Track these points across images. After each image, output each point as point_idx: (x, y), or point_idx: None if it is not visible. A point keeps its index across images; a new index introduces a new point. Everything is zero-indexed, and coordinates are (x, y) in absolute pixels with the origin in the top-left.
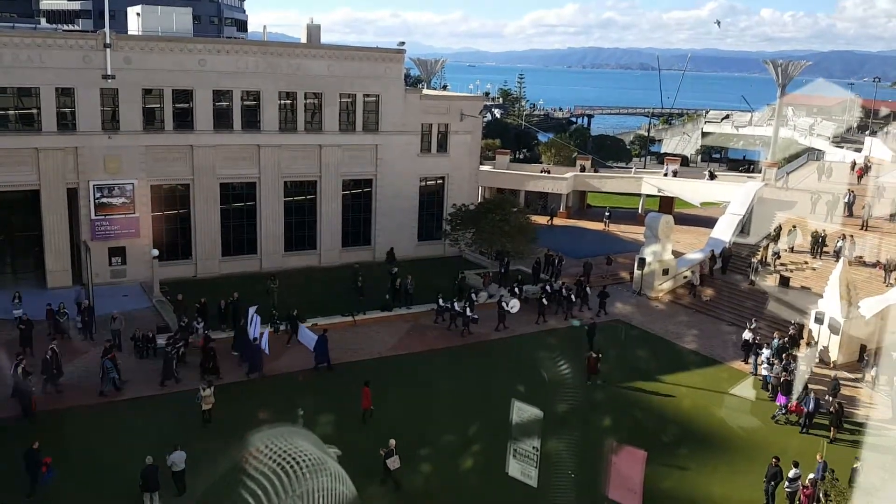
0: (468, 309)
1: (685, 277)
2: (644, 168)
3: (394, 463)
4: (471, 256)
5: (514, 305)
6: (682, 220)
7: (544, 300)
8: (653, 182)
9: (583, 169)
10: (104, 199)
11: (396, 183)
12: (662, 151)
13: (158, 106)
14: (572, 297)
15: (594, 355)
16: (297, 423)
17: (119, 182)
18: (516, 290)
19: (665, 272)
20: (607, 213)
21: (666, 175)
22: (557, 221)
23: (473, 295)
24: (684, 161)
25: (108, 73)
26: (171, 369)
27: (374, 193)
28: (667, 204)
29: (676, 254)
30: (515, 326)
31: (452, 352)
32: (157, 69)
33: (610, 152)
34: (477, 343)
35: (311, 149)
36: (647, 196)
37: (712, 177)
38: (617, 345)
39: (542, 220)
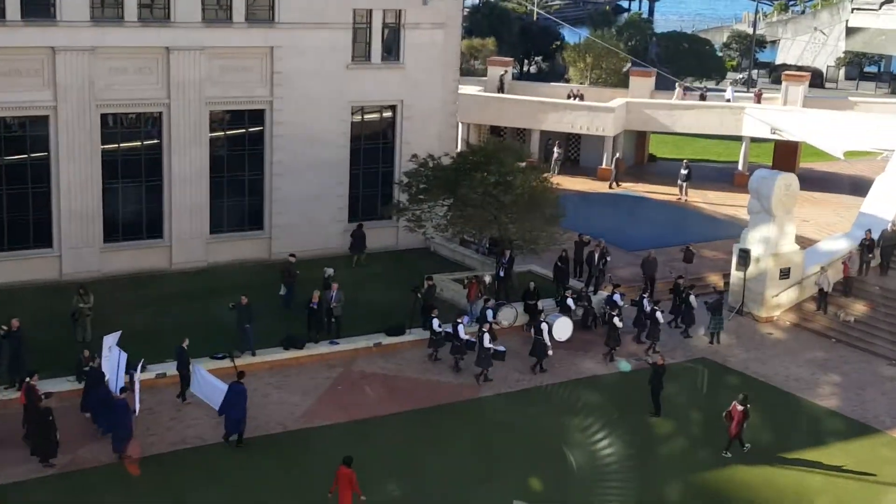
0: (486, 337)
1: (816, 283)
2: (747, 89)
3: None
4: (445, 249)
5: (506, 317)
6: (814, 182)
7: (617, 320)
8: (764, 116)
9: (641, 94)
10: None
11: (309, 117)
12: (779, 61)
13: None
14: (658, 314)
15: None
16: None
17: None
18: (569, 302)
19: (784, 273)
20: (684, 171)
21: (787, 105)
22: (595, 185)
23: (491, 314)
24: (817, 78)
25: None
26: None
27: (268, 137)
28: (787, 155)
29: (803, 241)
30: (525, 371)
31: (417, 419)
32: None
33: (688, 62)
34: (461, 404)
35: (149, 55)
36: (754, 141)
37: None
38: (700, 402)
39: (569, 182)
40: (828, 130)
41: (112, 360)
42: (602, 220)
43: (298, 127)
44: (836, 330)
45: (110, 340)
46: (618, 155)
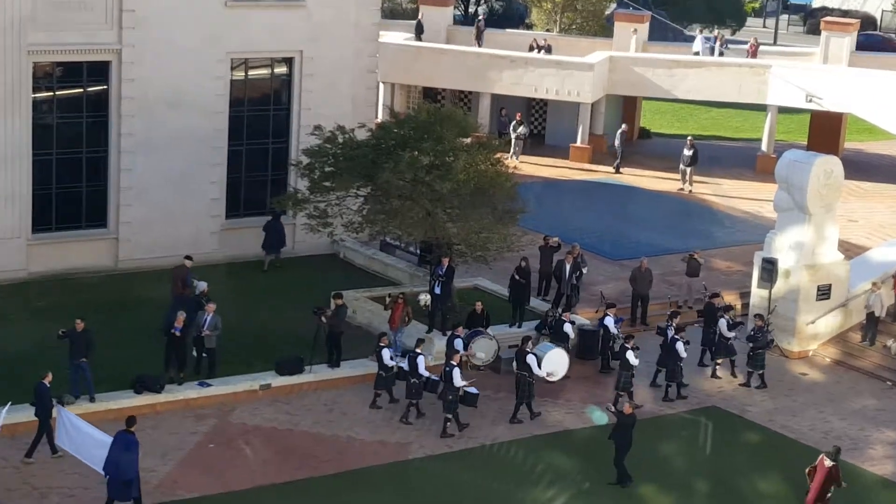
0: (457, 373)
1: (866, 306)
2: (773, 42)
3: None
4: (360, 256)
5: (483, 349)
6: (864, 168)
7: (632, 355)
8: (797, 78)
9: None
10: None
11: (172, 73)
12: (816, 4)
13: None
14: (680, 346)
15: None
16: None
17: None
18: (567, 328)
19: (824, 292)
20: (688, 153)
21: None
22: (566, 170)
23: (461, 344)
24: (868, 26)
25: None
26: None
27: (114, 99)
28: (828, 132)
29: (850, 248)
30: (482, 424)
31: (318, 491)
32: None
33: (694, 4)
34: (379, 470)
35: None
36: (783, 112)
37: None
38: (708, 467)
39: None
40: (883, 98)
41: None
42: (577, 217)
43: (157, 86)
44: (893, 370)
45: None
46: (623, 127)
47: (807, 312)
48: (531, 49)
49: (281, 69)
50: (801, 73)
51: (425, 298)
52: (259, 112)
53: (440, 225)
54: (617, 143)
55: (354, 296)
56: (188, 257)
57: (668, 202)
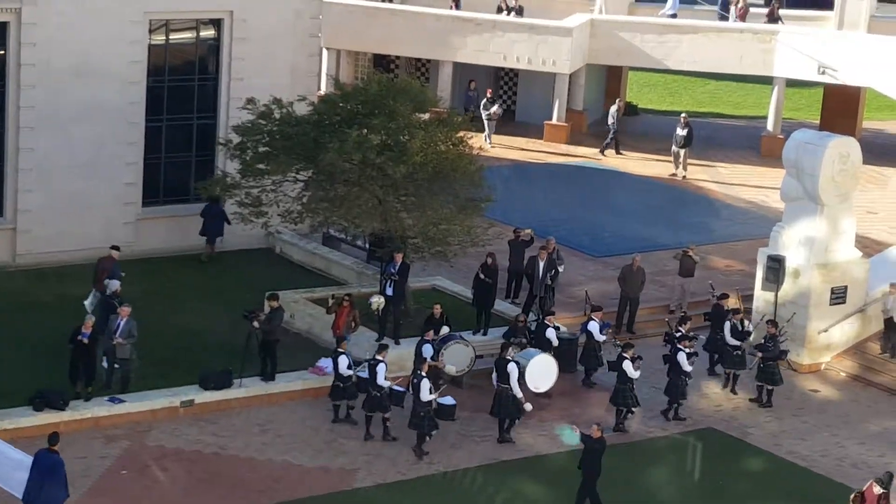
0: (425, 384)
1: (885, 311)
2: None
3: None
4: (299, 251)
5: (455, 358)
6: (885, 151)
7: (631, 367)
8: (808, 47)
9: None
10: None
11: (79, 37)
12: None
13: None
14: (682, 358)
15: None
16: None
17: None
18: (550, 333)
19: (839, 295)
20: (682, 132)
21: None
22: (539, 152)
23: (429, 350)
24: None
25: None
26: None
27: (11, 68)
28: (843, 109)
29: (869, 244)
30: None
31: None
32: None
33: None
34: (320, 501)
35: None
36: (792, 86)
37: None
38: (708, 498)
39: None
40: None
41: None
42: (552, 207)
43: (62, 52)
44: None
45: None
46: (619, 102)
47: (819, 319)
48: (500, 10)
49: (208, 32)
50: (813, 41)
51: (378, 301)
52: (182, 82)
53: (393, 215)
54: (611, 121)
55: (292, 297)
56: (115, 247)
57: (659, 189)
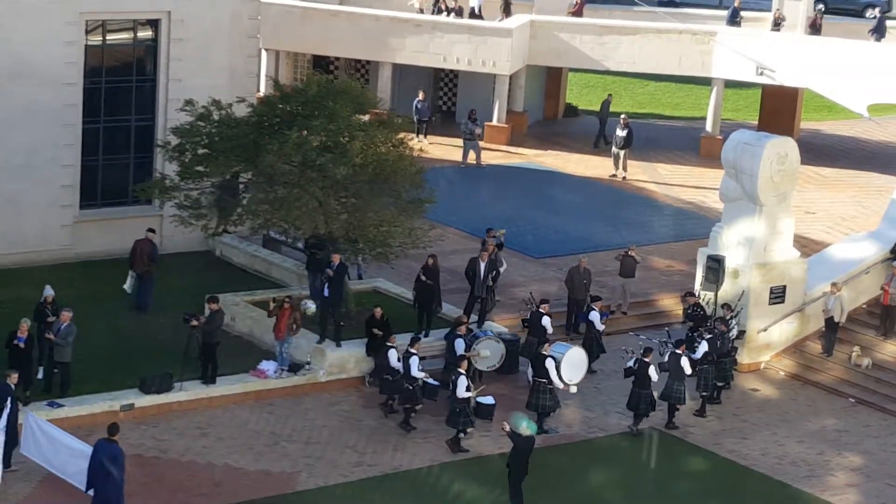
0: (462, 381)
1: (825, 310)
2: (718, 4)
3: None
4: (240, 253)
5: (488, 351)
6: (823, 152)
7: (653, 370)
8: (746, 47)
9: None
10: None
11: (13, 37)
12: None
13: None
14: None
15: None
16: None
17: None
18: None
19: (777, 295)
20: (622, 133)
21: (779, 25)
22: (482, 156)
23: (461, 345)
24: None
25: None
26: None
27: None
28: (781, 110)
29: (807, 244)
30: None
31: None
32: None
33: None
34: None
35: None
36: (731, 87)
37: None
38: (649, 499)
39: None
40: (846, 71)
41: None
42: (493, 207)
43: None
44: (856, 385)
45: None
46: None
47: (758, 318)
48: (440, 11)
49: (145, 33)
50: (751, 42)
51: (307, 306)
52: (119, 84)
53: (333, 217)
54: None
55: (233, 300)
56: (151, 230)
57: (599, 190)
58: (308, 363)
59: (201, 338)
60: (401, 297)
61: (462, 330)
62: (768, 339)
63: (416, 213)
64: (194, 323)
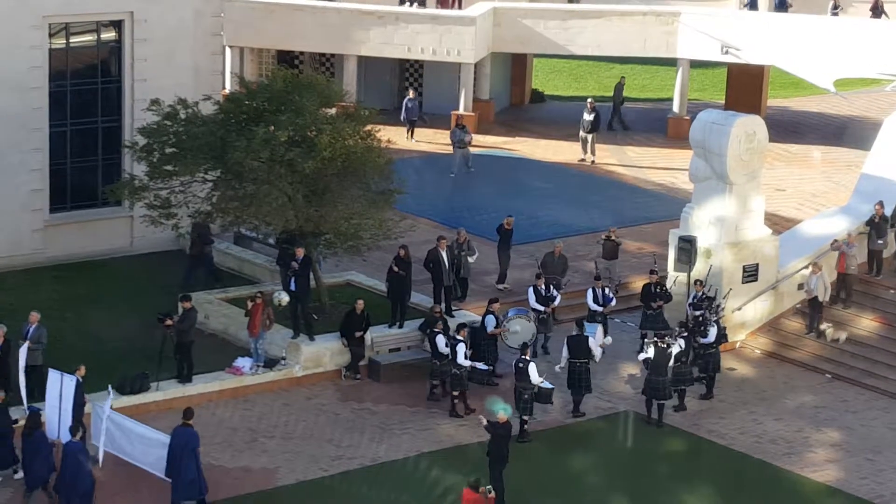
0: (532, 366)
1: (807, 291)
2: None
3: None
4: (212, 251)
5: (518, 329)
6: (791, 129)
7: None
8: (709, 27)
9: None
10: None
11: None
12: None
13: None
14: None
15: None
16: None
17: None
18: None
19: (750, 273)
20: (589, 117)
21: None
22: (447, 147)
23: (492, 322)
24: None
25: None
26: None
27: None
28: (748, 88)
29: (779, 222)
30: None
31: None
32: None
33: None
34: (239, 501)
35: None
36: (696, 67)
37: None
38: (628, 481)
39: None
40: (811, 48)
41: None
42: (462, 196)
43: None
44: (833, 360)
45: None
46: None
47: (732, 297)
48: (402, 2)
49: (109, 34)
50: (715, 21)
51: (279, 297)
52: (85, 86)
53: (302, 211)
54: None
55: (206, 298)
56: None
57: (569, 175)
58: (283, 358)
59: (176, 337)
60: (374, 290)
61: (495, 307)
62: (743, 318)
63: (387, 205)
64: (168, 322)
